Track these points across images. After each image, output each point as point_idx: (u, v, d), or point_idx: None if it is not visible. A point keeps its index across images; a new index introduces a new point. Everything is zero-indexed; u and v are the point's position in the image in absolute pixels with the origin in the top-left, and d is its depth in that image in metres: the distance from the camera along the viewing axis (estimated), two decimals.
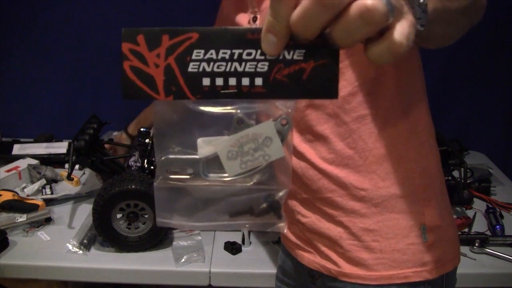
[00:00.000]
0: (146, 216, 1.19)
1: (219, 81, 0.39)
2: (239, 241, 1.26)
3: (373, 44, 0.38)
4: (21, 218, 1.28)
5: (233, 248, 1.24)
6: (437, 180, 0.85)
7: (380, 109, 0.79)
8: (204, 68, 0.39)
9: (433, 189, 0.83)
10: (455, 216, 1.38)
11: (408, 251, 0.80)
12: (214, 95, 0.40)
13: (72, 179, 1.41)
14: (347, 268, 0.83)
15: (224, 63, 0.39)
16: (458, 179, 1.38)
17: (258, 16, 0.78)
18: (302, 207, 0.90)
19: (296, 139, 0.85)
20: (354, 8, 0.36)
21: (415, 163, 0.81)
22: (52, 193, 1.44)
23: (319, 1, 0.36)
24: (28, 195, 1.43)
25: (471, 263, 1.20)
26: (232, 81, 0.39)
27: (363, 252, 0.82)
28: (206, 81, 0.39)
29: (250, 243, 1.27)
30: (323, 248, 0.87)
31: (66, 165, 1.47)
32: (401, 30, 0.38)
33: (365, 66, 0.76)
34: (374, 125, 0.79)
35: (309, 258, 0.91)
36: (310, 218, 0.89)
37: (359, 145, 0.80)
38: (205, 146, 0.43)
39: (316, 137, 0.83)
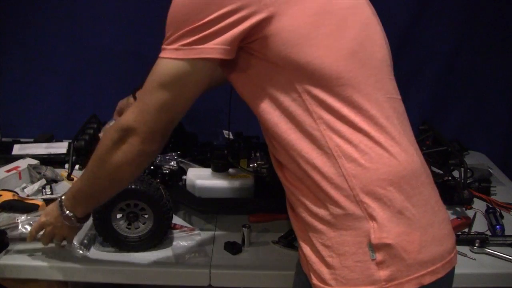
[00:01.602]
0: (146, 216, 1.19)
1: None
2: (239, 241, 1.26)
3: None
4: (21, 218, 1.28)
5: (233, 248, 1.23)
6: (390, 197, 0.81)
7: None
8: None
9: (380, 207, 0.80)
10: (455, 216, 1.38)
11: (356, 268, 0.80)
12: None
13: (72, 179, 1.41)
14: (314, 280, 0.86)
15: None
16: (458, 179, 1.38)
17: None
18: (290, 216, 0.95)
19: (272, 157, 0.94)
20: None
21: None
22: (52, 193, 1.44)
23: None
24: (28, 195, 1.43)
25: (471, 263, 1.20)
26: None
27: (323, 266, 0.84)
28: None
29: (250, 243, 1.27)
30: (304, 259, 0.90)
31: (66, 165, 1.47)
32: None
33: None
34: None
35: (303, 263, 0.93)
36: (294, 227, 0.94)
37: (298, 173, 0.86)
38: None
39: (273, 157, 0.93)
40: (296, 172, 0.86)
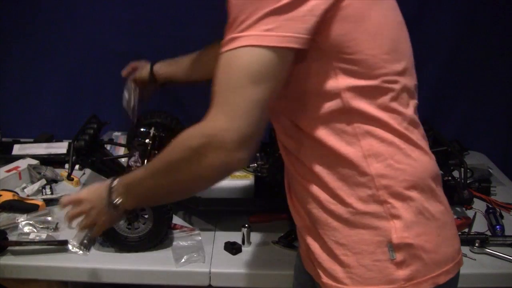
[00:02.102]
0: (146, 216, 1.19)
1: None
2: (239, 241, 1.26)
3: None
4: (21, 218, 1.28)
5: (233, 248, 1.24)
6: (413, 198, 0.81)
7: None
8: None
9: (404, 207, 0.80)
10: (455, 216, 1.38)
11: (374, 267, 0.79)
12: None
13: (72, 179, 1.41)
14: (325, 278, 0.84)
15: None
16: (458, 179, 1.38)
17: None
18: (294, 213, 0.92)
19: (282, 152, 0.89)
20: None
21: (378, 181, 0.79)
22: (52, 193, 1.44)
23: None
24: (28, 195, 1.43)
25: (471, 263, 1.20)
26: None
27: (335, 265, 0.82)
28: None
29: (250, 243, 1.27)
30: (311, 257, 0.88)
31: (66, 165, 1.47)
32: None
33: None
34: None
35: (307, 262, 0.92)
36: (299, 224, 0.91)
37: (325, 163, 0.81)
38: None
39: (288, 152, 0.87)
40: (316, 167, 0.81)
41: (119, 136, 1.77)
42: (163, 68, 1.39)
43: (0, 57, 1.80)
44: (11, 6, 1.72)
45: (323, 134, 0.79)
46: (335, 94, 0.76)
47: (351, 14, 0.72)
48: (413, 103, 0.84)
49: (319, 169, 0.81)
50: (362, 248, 0.80)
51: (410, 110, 0.82)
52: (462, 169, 1.36)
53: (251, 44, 0.67)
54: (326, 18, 0.70)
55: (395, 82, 0.78)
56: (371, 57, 0.75)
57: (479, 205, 1.48)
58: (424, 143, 0.85)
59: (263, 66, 0.68)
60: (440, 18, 1.73)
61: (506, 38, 1.74)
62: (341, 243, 0.81)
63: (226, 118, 0.69)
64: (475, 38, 1.75)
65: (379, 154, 0.78)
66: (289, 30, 0.67)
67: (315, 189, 0.83)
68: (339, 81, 0.75)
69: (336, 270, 0.82)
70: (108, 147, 1.60)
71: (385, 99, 0.77)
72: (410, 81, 0.82)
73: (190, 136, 0.74)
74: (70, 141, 1.34)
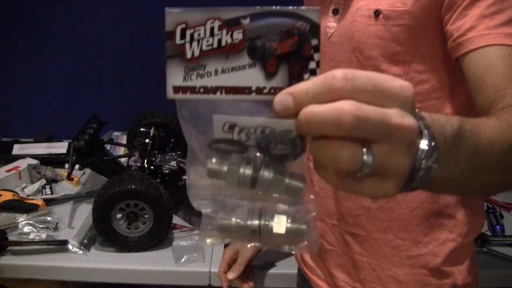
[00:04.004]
0: (146, 216, 1.19)
1: None
2: None
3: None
4: (21, 218, 1.28)
5: None
6: (471, 242, 0.82)
7: None
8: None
9: (467, 249, 0.81)
10: None
11: None
12: None
13: (72, 179, 1.41)
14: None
15: None
16: None
17: (340, 9, 0.75)
18: (330, 233, 0.87)
19: None
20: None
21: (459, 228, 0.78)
22: (52, 193, 1.44)
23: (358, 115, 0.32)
24: (28, 195, 1.43)
25: None
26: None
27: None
28: None
29: None
30: (341, 284, 0.86)
31: (66, 165, 1.47)
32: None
33: None
34: None
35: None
36: (334, 247, 0.87)
37: (410, 194, 0.72)
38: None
39: None
40: None
41: (119, 136, 1.77)
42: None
43: (0, 57, 1.80)
44: (11, 6, 1.73)
45: None
46: None
47: None
48: None
49: None
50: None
51: None
52: None
53: None
54: None
55: None
56: None
57: None
58: None
59: None
60: None
61: None
62: (399, 280, 0.81)
63: None
64: None
65: None
66: None
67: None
68: None
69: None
70: (108, 147, 1.60)
71: None
72: None
73: None
74: (70, 141, 1.34)
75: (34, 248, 1.19)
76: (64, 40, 1.78)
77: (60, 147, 1.69)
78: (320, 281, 0.92)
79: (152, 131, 1.47)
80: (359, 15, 0.72)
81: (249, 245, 0.42)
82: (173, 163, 1.36)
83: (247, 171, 0.39)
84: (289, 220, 0.42)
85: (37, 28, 1.76)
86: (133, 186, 1.15)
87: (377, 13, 0.70)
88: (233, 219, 0.42)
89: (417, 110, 0.38)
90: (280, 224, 0.41)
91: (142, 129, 1.47)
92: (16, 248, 1.19)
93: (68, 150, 1.45)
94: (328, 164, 0.35)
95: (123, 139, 1.72)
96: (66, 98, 1.87)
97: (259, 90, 0.38)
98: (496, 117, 0.52)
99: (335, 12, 0.75)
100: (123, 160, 1.49)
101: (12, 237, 1.22)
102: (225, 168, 0.40)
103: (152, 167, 1.34)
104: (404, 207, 0.78)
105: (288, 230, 0.41)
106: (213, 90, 0.38)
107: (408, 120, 0.34)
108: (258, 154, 0.40)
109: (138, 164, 1.33)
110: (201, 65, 0.38)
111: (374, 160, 0.34)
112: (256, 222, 0.41)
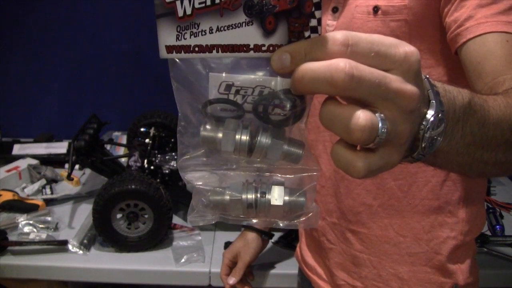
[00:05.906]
0: (146, 216, 1.19)
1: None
2: None
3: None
4: (21, 218, 1.28)
5: None
6: (472, 241, 0.82)
7: None
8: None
9: (468, 248, 0.81)
10: None
11: None
12: None
13: (72, 179, 1.41)
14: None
15: None
16: None
17: (340, 7, 0.75)
18: (330, 232, 0.86)
19: None
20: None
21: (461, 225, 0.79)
22: (52, 193, 1.44)
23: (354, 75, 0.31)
24: (28, 195, 1.43)
25: None
26: None
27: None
28: None
29: None
30: (341, 282, 0.86)
31: (66, 165, 1.47)
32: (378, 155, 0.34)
33: None
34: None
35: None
36: (335, 246, 0.86)
37: (411, 190, 0.76)
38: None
39: None
40: None
41: (119, 136, 1.77)
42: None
43: (1, 57, 1.80)
44: (11, 6, 1.73)
45: None
46: None
47: None
48: None
49: None
50: (425, 286, 0.80)
51: None
52: None
53: None
54: None
55: None
56: None
57: None
58: None
59: None
60: None
61: None
62: (400, 277, 0.81)
63: None
64: None
65: None
66: None
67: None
68: None
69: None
70: (108, 147, 1.60)
71: None
72: None
73: None
74: (70, 141, 1.34)
75: (34, 248, 1.19)
76: (64, 40, 1.78)
77: (60, 147, 1.69)
78: (320, 281, 0.92)
79: (152, 131, 1.47)
80: (358, 12, 0.72)
81: (244, 223, 0.40)
82: (173, 163, 1.36)
83: (244, 136, 0.38)
84: (287, 191, 0.40)
85: (37, 28, 1.76)
86: (133, 186, 1.15)
87: (376, 9, 0.70)
88: (227, 192, 0.40)
89: (427, 77, 0.37)
90: (277, 196, 0.40)
91: (142, 129, 1.47)
92: (16, 248, 1.19)
93: (68, 150, 1.45)
94: (340, 132, 0.33)
95: (123, 139, 1.72)
96: (66, 98, 1.87)
97: (257, 48, 0.36)
98: (503, 94, 0.51)
99: (335, 10, 0.75)
100: (123, 160, 1.49)
101: (12, 237, 1.22)
102: (220, 134, 0.38)
103: (152, 167, 1.34)
104: (405, 204, 0.77)
105: (286, 202, 0.40)
106: (209, 48, 0.37)
107: (409, 87, 0.33)
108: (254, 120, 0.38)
109: (138, 164, 1.33)
110: (194, 24, 0.36)
111: (388, 127, 0.32)
112: (252, 195, 0.40)
